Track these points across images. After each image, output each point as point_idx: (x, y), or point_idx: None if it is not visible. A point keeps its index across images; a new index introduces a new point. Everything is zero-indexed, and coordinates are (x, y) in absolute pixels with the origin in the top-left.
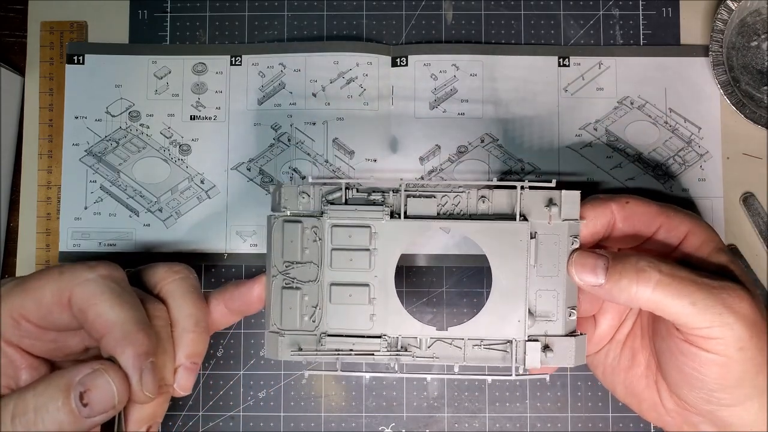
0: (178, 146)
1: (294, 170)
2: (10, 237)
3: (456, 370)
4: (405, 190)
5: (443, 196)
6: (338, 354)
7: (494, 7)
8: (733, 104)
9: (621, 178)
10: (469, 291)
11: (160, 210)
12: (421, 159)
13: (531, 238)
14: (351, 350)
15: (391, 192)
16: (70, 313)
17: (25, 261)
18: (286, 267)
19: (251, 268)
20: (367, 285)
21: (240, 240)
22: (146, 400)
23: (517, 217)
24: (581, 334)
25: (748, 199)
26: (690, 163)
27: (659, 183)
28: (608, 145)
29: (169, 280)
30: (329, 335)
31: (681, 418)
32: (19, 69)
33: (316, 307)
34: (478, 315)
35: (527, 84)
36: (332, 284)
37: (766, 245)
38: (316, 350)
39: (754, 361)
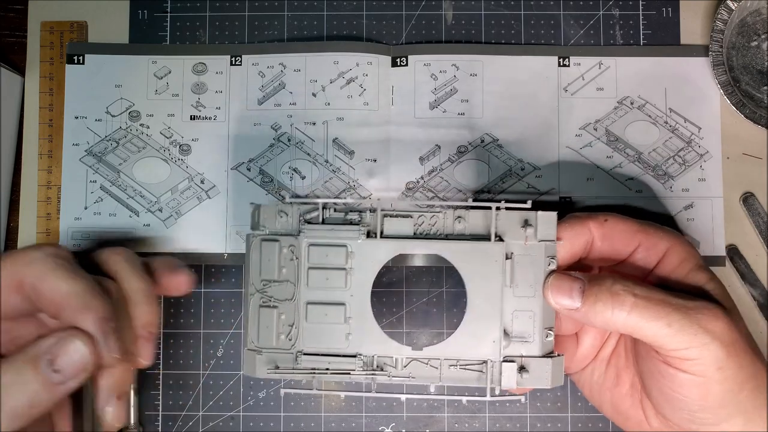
0: (178, 146)
1: (294, 170)
2: (10, 237)
3: (432, 390)
4: (381, 210)
5: (420, 216)
6: (314, 372)
7: (494, 7)
8: (733, 104)
9: (621, 178)
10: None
11: (160, 210)
12: (421, 159)
13: (506, 258)
14: (327, 369)
15: (368, 211)
16: (23, 295)
17: None
18: (264, 285)
19: None
20: (343, 304)
21: (240, 240)
22: (113, 362)
23: (492, 237)
24: (558, 355)
25: (748, 199)
26: (690, 163)
27: (659, 183)
28: (608, 145)
29: (115, 260)
30: (305, 354)
31: None
32: (19, 69)
33: (292, 326)
34: (454, 335)
35: (527, 84)
36: (308, 303)
37: (766, 245)
38: (293, 368)
39: (735, 379)
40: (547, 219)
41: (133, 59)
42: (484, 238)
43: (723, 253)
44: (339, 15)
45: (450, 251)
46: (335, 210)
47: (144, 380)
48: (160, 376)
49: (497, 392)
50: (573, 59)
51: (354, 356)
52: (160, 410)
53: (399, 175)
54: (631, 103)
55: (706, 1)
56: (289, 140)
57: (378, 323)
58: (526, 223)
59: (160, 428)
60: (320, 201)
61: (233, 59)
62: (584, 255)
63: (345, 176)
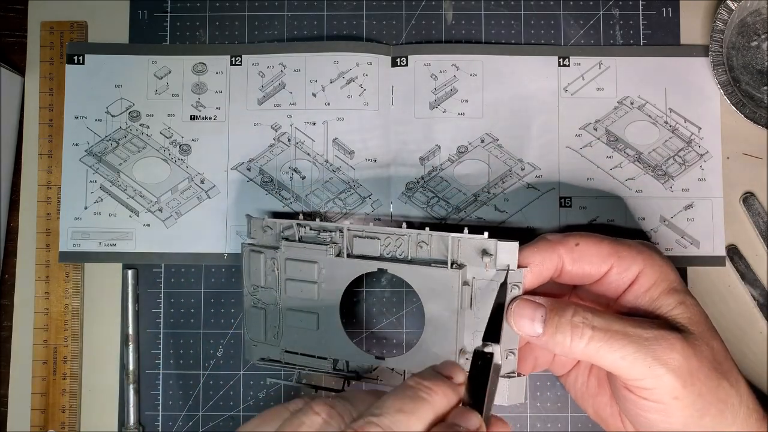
0: (178, 146)
1: (294, 170)
2: (10, 237)
3: None
4: (349, 230)
5: (386, 238)
6: (296, 368)
7: (494, 7)
8: (733, 104)
9: (621, 178)
10: None
11: (160, 210)
12: (421, 159)
13: (464, 284)
14: (305, 366)
15: (338, 231)
16: None
17: (25, 261)
18: (254, 289)
19: None
20: (315, 313)
21: (240, 240)
22: None
23: (449, 264)
24: (519, 375)
25: (748, 199)
26: (690, 163)
27: (659, 183)
28: (608, 145)
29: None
30: (287, 351)
31: None
32: (19, 69)
33: (276, 327)
34: (413, 349)
35: (527, 84)
36: (288, 309)
37: (766, 245)
38: (280, 361)
39: (694, 406)
40: (507, 249)
41: (133, 59)
42: (445, 263)
43: (723, 253)
44: (339, 15)
45: (411, 274)
46: (311, 228)
47: (144, 380)
48: (160, 376)
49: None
50: (573, 59)
51: (325, 359)
52: (160, 410)
53: (399, 175)
54: (631, 103)
55: (706, 1)
56: (289, 140)
57: (347, 332)
58: (484, 253)
59: (160, 428)
60: (295, 222)
61: (233, 59)
62: (555, 276)
63: (345, 176)
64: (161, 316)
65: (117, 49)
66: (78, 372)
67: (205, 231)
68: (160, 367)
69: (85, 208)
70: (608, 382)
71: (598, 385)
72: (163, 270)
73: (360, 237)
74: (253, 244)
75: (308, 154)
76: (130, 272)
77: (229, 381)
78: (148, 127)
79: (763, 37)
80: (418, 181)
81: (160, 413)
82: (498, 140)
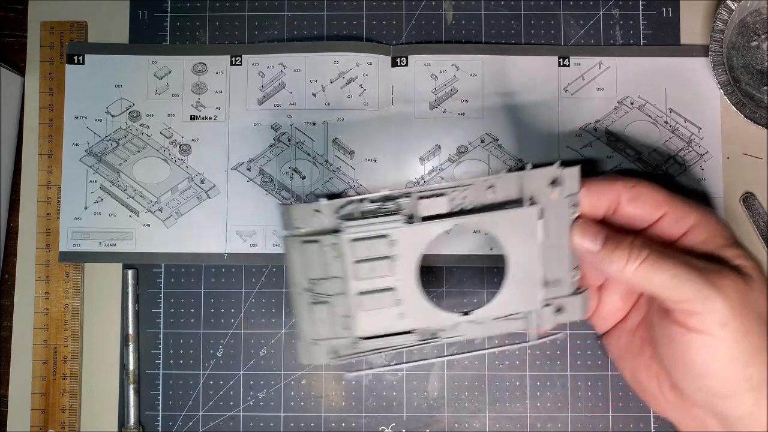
0: (178, 146)
1: (294, 170)
2: (10, 237)
3: (478, 341)
4: (419, 193)
5: (452, 191)
6: (375, 352)
7: (494, 7)
8: (733, 104)
9: None
10: (469, 291)
11: (160, 210)
12: (421, 159)
13: (540, 218)
14: (388, 347)
15: (403, 197)
16: None
17: (25, 261)
18: (311, 284)
19: (251, 269)
20: (392, 289)
21: (240, 240)
22: None
23: (526, 201)
24: (584, 289)
25: (748, 199)
26: (690, 163)
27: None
28: (608, 145)
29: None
30: (363, 339)
31: (683, 412)
32: (19, 69)
33: (347, 317)
34: (498, 296)
35: (527, 84)
36: (359, 293)
37: (766, 245)
38: (354, 353)
39: (740, 345)
40: (572, 174)
41: (133, 59)
42: (516, 202)
43: None
44: (339, 15)
45: (487, 221)
46: (371, 201)
47: (144, 380)
48: (160, 376)
49: (535, 337)
50: (573, 59)
51: (409, 332)
52: (160, 410)
53: (399, 175)
54: (631, 103)
55: (706, 1)
56: (289, 140)
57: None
58: (554, 182)
59: (160, 428)
60: (356, 197)
61: (233, 59)
62: (608, 214)
63: (345, 176)
64: (161, 316)
65: (117, 49)
66: (78, 372)
67: (205, 231)
68: (160, 367)
69: (85, 208)
70: (652, 334)
71: (640, 346)
72: (163, 270)
73: (425, 197)
74: (299, 235)
75: (308, 154)
76: (130, 272)
77: (229, 381)
78: (148, 127)
79: (763, 37)
80: (418, 181)
81: (160, 413)
82: (498, 140)
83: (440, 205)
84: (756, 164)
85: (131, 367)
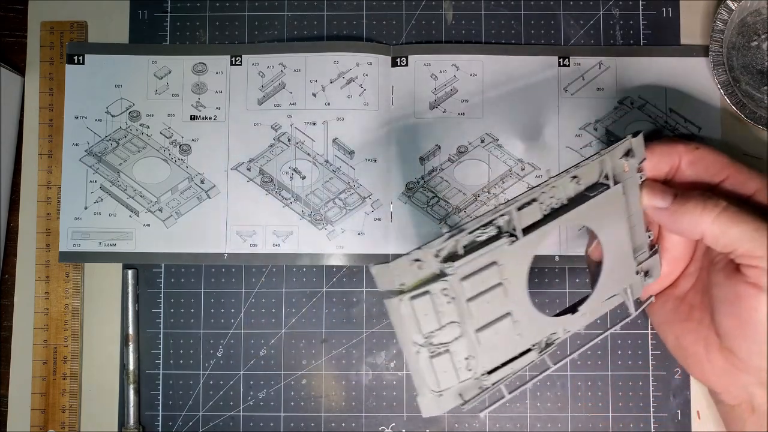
0: (178, 146)
1: (294, 170)
2: (10, 237)
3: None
4: (515, 206)
5: (541, 194)
6: (501, 382)
7: (494, 7)
8: (733, 104)
9: None
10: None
11: (160, 210)
12: (421, 159)
13: (623, 194)
14: (513, 372)
15: (499, 216)
16: None
17: (25, 261)
18: (427, 338)
19: (251, 269)
20: (508, 314)
21: (240, 240)
22: None
23: (612, 183)
24: (657, 246)
25: None
26: None
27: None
28: (608, 145)
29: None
30: (488, 372)
31: (729, 378)
32: (19, 69)
33: (468, 358)
34: (600, 282)
35: (527, 84)
36: (477, 330)
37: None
38: (480, 390)
39: None
40: (638, 142)
41: (133, 59)
42: (597, 185)
43: None
44: (339, 15)
45: (582, 214)
46: (469, 233)
47: (144, 380)
48: (160, 376)
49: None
50: (573, 59)
51: (529, 350)
52: (160, 410)
53: (399, 175)
54: (631, 103)
55: (706, 1)
56: (289, 140)
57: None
58: (628, 154)
59: (160, 428)
60: (450, 234)
61: (233, 59)
62: (670, 177)
63: (345, 176)
64: (161, 316)
65: (117, 49)
66: (78, 372)
67: (205, 231)
68: (160, 367)
69: (85, 208)
70: (709, 296)
71: (689, 311)
72: (163, 270)
73: (521, 208)
74: (405, 291)
75: (308, 154)
76: (130, 272)
77: (229, 381)
78: (148, 127)
79: (763, 37)
80: (418, 181)
81: (160, 413)
82: (498, 140)
83: (535, 212)
84: (756, 164)
85: (131, 367)
